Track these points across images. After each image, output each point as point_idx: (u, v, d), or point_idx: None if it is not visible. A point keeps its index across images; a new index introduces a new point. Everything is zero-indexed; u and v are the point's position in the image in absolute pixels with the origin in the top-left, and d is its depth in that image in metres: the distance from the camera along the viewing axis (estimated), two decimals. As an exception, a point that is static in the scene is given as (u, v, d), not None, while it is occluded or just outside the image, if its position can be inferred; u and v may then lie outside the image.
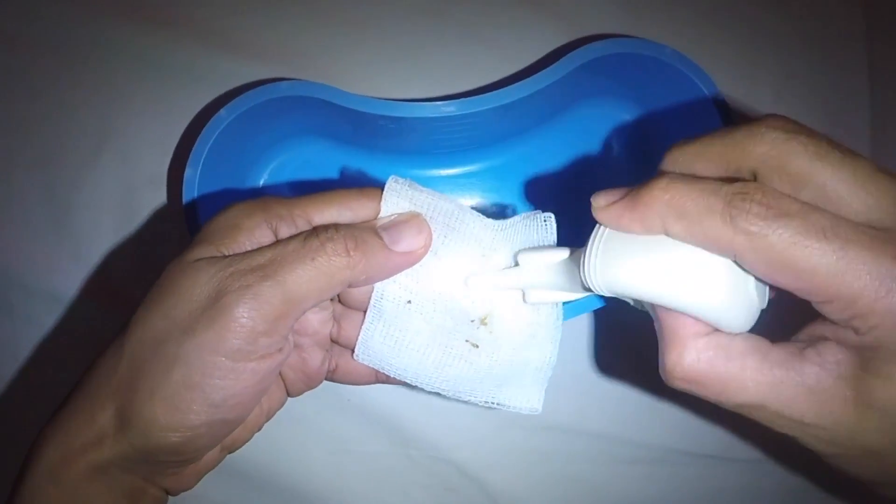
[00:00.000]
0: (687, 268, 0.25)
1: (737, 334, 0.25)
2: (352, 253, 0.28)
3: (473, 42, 0.49)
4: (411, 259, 0.31)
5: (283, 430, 0.46)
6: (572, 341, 0.48)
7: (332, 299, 0.33)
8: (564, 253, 0.30)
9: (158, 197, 0.48)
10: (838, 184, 0.23)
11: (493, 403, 0.32)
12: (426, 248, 0.31)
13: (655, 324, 0.27)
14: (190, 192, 0.40)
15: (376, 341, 0.32)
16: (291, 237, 0.29)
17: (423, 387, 0.33)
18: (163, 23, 0.48)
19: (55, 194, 0.48)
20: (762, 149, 0.23)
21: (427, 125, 0.41)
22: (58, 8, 0.49)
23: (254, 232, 0.29)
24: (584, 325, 0.47)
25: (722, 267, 0.24)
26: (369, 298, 0.32)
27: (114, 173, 0.48)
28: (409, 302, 0.32)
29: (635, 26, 0.48)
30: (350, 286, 0.30)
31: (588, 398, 0.48)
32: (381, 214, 0.31)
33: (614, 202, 0.25)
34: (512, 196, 0.47)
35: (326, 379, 0.35)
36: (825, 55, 0.49)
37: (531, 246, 0.32)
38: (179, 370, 0.27)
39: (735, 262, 0.24)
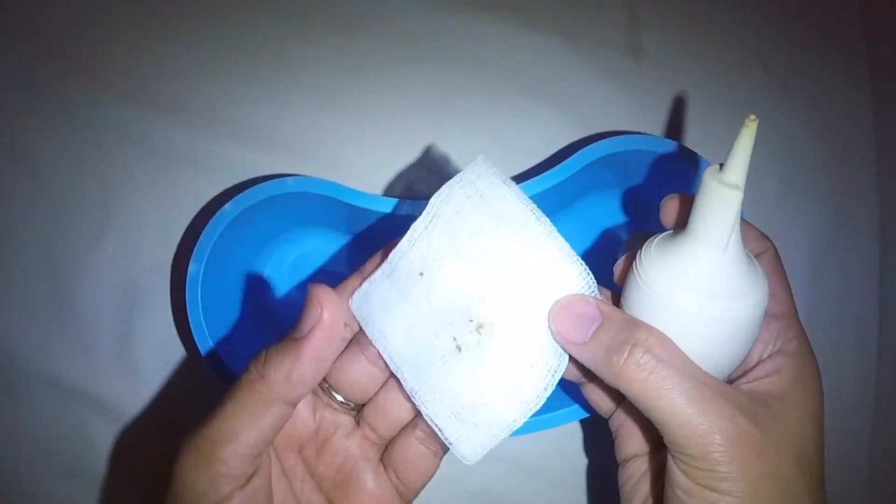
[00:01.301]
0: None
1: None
2: (263, 371, 0.28)
3: (480, 135, 0.48)
4: (324, 329, 0.28)
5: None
6: (574, 437, 0.47)
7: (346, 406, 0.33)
8: None
9: (161, 285, 0.47)
10: None
11: (436, 425, 0.30)
12: (330, 311, 0.28)
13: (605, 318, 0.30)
14: (194, 287, 0.40)
15: (375, 295, 0.31)
16: None
17: (388, 361, 0.31)
18: (171, 108, 0.48)
19: (57, 277, 0.47)
20: None
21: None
22: (63, 86, 0.48)
23: None
24: (586, 420, 0.46)
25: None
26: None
27: (116, 259, 0.47)
28: (422, 274, 0.30)
29: (641, 122, 0.48)
30: (291, 405, 0.29)
31: (589, 494, 0.47)
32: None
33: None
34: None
35: (405, 499, 0.33)
36: (832, 149, 0.49)
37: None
38: None
39: None
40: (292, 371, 0.28)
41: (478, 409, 0.30)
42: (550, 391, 0.30)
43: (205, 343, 0.40)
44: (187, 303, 0.40)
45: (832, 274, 0.48)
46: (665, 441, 0.28)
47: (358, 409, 0.34)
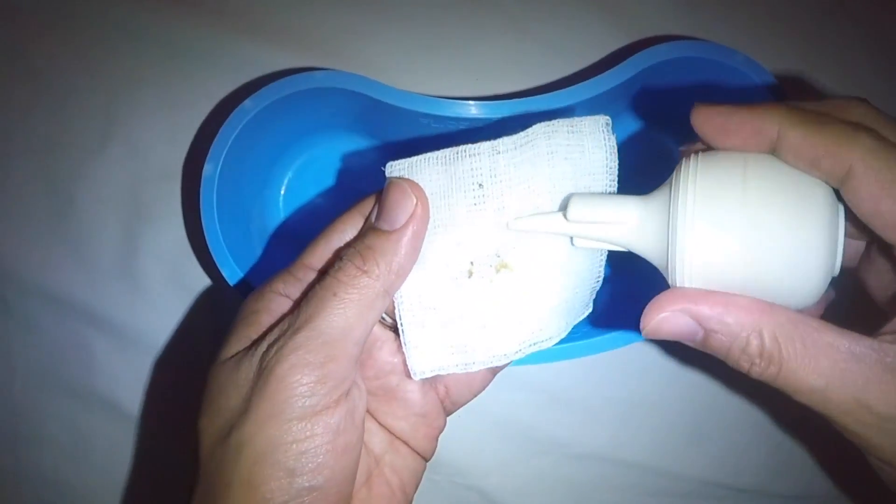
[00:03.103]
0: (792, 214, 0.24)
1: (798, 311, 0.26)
2: (365, 267, 0.27)
3: (522, 36, 0.45)
4: (418, 220, 0.28)
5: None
6: (609, 367, 0.46)
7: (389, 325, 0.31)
8: (632, 210, 0.27)
9: (172, 193, 0.44)
10: None
11: (402, 323, 0.29)
12: (423, 201, 0.28)
13: (708, 331, 0.26)
14: (209, 190, 0.37)
15: (421, 174, 0.29)
16: (307, 287, 0.29)
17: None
18: (182, 0, 0.45)
19: (57, 185, 0.45)
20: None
21: (473, 126, 0.38)
22: (63, -20, 0.45)
23: (270, 307, 0.29)
24: (621, 351, 0.45)
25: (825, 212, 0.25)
26: None
27: (122, 165, 0.45)
28: (481, 185, 0.28)
29: (694, 27, 0.45)
30: (391, 295, 0.28)
31: (623, 425, 0.46)
32: None
33: (721, 104, 0.26)
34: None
35: (447, 412, 0.32)
36: (893, 64, 0.46)
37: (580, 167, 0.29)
38: (247, 451, 0.26)
39: (837, 190, 0.25)
40: (392, 262, 0.27)
41: (447, 330, 0.29)
42: (519, 357, 0.30)
43: (220, 252, 0.37)
44: (201, 207, 0.37)
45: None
46: None
47: None
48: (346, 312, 0.26)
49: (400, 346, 0.30)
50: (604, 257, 0.31)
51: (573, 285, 0.30)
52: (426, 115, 0.37)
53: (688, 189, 0.25)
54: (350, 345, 0.27)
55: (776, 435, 0.46)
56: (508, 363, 0.30)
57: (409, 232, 0.27)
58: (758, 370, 0.26)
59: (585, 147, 0.29)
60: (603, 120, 0.29)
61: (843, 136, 0.24)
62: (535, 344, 0.30)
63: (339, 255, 0.28)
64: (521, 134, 0.28)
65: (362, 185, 0.43)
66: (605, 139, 0.29)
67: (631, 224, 0.27)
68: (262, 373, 0.26)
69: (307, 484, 0.26)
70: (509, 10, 0.45)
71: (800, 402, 0.26)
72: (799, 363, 0.25)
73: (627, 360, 0.45)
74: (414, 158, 0.28)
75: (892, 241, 0.25)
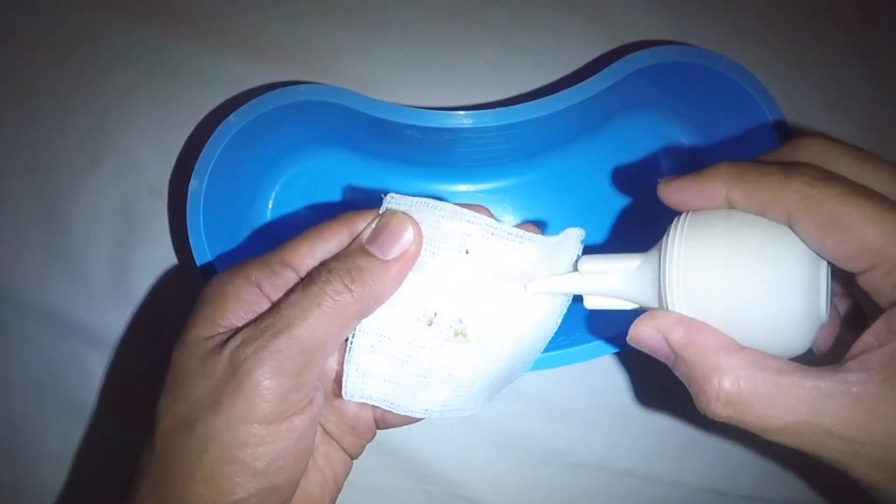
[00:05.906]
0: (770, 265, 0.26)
1: (767, 353, 0.26)
2: (353, 287, 0.28)
3: (507, 47, 0.45)
4: (409, 258, 0.29)
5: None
6: (604, 375, 0.45)
7: None
8: (634, 261, 0.29)
9: (162, 208, 0.45)
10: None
11: (352, 346, 0.29)
12: (418, 242, 0.29)
13: (677, 356, 0.27)
14: (195, 205, 0.37)
15: (416, 215, 0.29)
16: (290, 290, 0.29)
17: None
18: (168, 19, 0.45)
19: (50, 203, 0.45)
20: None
21: (457, 136, 0.38)
22: (54, 1, 0.45)
23: (239, 294, 0.29)
24: (616, 359, 0.45)
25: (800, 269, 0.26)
26: None
27: (113, 181, 0.45)
28: (468, 252, 0.29)
29: (680, 33, 0.45)
30: (365, 317, 0.29)
31: (619, 434, 0.45)
32: None
33: (679, 177, 0.28)
34: (546, 215, 0.43)
35: (379, 427, 0.33)
36: (882, 68, 0.46)
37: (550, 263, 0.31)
38: (214, 447, 0.26)
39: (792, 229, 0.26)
40: (376, 289, 0.28)
41: (390, 364, 0.30)
42: (434, 417, 0.31)
43: (208, 266, 0.37)
44: (188, 223, 0.37)
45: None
46: None
47: None
48: (326, 325, 0.27)
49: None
50: (550, 336, 0.32)
51: (517, 361, 0.32)
52: (410, 127, 0.37)
53: (674, 243, 0.27)
54: (323, 356, 0.28)
55: (772, 442, 0.45)
56: (421, 419, 0.31)
57: (399, 265, 0.28)
58: (715, 410, 0.26)
59: (560, 257, 0.31)
60: (577, 234, 0.30)
61: (778, 186, 0.26)
62: (453, 411, 0.31)
63: (325, 267, 0.28)
64: (520, 236, 0.29)
65: (350, 196, 0.43)
66: (575, 250, 0.31)
67: (633, 272, 0.29)
68: (237, 372, 0.26)
69: (268, 484, 0.27)
70: (495, 21, 0.45)
71: (771, 440, 0.26)
72: (766, 405, 0.25)
73: (622, 369, 0.45)
74: (416, 199, 0.29)
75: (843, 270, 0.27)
